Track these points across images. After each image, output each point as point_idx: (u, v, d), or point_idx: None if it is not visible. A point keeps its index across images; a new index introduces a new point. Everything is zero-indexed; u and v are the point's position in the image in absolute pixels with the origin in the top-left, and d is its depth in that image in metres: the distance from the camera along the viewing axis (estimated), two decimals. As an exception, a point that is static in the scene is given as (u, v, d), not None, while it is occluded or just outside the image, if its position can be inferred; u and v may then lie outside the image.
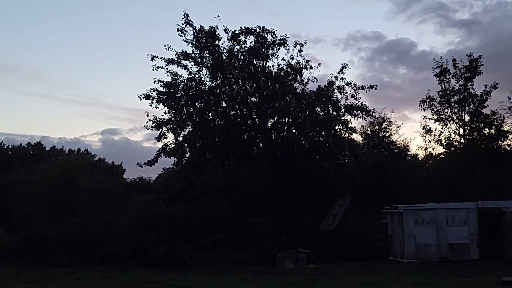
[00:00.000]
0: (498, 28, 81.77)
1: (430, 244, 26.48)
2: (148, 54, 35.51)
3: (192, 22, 35.50)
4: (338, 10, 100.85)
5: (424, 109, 39.64)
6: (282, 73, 36.32)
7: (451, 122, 38.86)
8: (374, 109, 36.96)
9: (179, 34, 35.61)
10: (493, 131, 37.95)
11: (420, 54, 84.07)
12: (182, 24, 35.43)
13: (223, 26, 35.96)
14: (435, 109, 39.09)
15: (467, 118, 38.59)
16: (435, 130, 39.40)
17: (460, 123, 38.72)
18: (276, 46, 36.16)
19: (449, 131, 39.01)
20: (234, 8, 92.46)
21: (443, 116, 38.90)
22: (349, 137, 36.11)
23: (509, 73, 64.02)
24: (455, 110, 38.82)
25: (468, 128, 38.51)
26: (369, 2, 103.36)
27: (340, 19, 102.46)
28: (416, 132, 78.39)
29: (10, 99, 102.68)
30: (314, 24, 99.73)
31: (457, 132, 38.90)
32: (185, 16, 35.41)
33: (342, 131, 35.59)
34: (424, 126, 39.81)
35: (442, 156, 40.73)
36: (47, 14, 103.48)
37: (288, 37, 36.23)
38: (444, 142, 39.22)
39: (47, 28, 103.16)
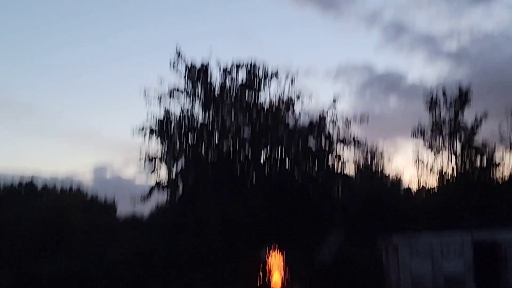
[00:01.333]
0: (486, 59, 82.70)
1: (426, 276, 26.23)
2: (140, 89, 36.08)
3: (184, 58, 36.16)
4: (328, 42, 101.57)
5: (416, 138, 39.80)
6: (274, 110, 36.65)
7: (444, 151, 39.01)
8: (366, 138, 37.47)
9: (170, 69, 36.31)
10: (484, 163, 38.11)
11: (410, 85, 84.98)
12: (174, 59, 36.15)
13: (215, 59, 36.65)
14: (427, 140, 39.28)
15: (458, 149, 38.77)
16: (428, 159, 39.53)
17: (452, 154, 38.85)
18: (268, 80, 36.64)
19: (441, 162, 39.14)
20: (226, 38, 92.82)
21: (436, 146, 39.09)
22: (342, 170, 36.25)
23: (498, 103, 64.45)
24: (446, 144, 39.03)
25: (460, 158, 38.65)
26: (359, 34, 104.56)
27: (330, 51, 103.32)
28: (408, 161, 78.35)
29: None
30: (304, 55, 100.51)
31: (450, 161, 38.99)
32: (178, 53, 36.20)
33: (335, 164, 35.75)
34: (417, 156, 39.84)
35: (435, 189, 40.72)
36: (36, 49, 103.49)
37: (278, 70, 36.80)
38: (437, 173, 39.27)
39: (37, 62, 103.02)
